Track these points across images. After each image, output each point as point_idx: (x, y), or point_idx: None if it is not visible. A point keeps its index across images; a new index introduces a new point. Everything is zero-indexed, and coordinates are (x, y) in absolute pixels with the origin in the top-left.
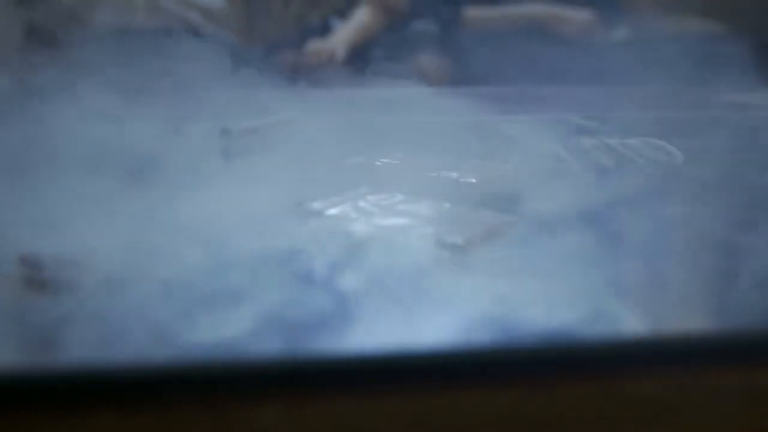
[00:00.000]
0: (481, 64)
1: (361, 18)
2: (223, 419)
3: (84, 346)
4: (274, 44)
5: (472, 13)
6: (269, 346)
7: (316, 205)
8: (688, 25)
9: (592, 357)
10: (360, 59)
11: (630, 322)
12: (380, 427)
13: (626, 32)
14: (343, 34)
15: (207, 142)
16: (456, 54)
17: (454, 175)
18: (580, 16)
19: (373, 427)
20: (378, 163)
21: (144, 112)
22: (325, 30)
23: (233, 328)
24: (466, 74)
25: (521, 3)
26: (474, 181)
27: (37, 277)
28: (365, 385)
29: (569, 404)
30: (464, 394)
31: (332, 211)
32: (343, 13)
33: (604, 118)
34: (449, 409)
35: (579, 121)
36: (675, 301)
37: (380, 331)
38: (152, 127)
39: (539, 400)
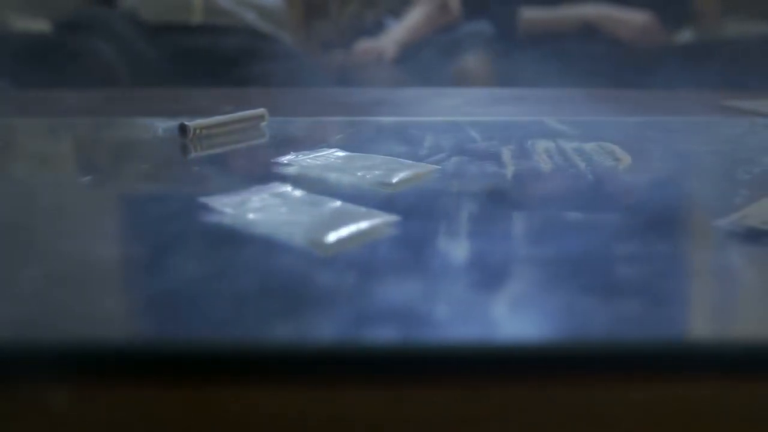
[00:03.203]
0: (530, 66)
1: (414, 18)
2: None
3: None
4: (328, 43)
5: (528, 14)
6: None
7: (214, 201)
8: (755, 27)
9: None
10: (409, 59)
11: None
12: (176, 418)
13: (691, 35)
14: (394, 33)
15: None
16: (508, 55)
17: (377, 174)
18: (638, 18)
19: (170, 418)
20: (309, 159)
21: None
22: (379, 29)
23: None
24: (512, 76)
25: (578, 4)
26: (393, 181)
27: None
28: (163, 374)
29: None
30: (259, 387)
31: (227, 209)
32: (398, 12)
33: (582, 121)
34: (247, 404)
35: (553, 123)
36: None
37: (209, 322)
38: (130, 122)
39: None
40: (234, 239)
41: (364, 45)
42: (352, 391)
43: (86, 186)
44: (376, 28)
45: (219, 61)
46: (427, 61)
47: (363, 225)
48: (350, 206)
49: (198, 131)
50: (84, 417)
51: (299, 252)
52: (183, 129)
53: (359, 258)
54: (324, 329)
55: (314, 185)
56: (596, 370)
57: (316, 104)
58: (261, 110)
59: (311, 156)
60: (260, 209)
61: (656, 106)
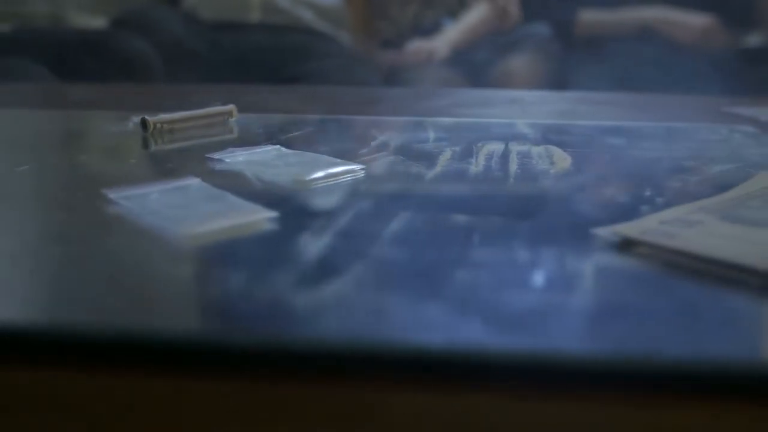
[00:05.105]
0: (581, 69)
1: (471, 19)
2: None
3: None
4: (385, 43)
5: (586, 17)
6: None
7: (116, 193)
8: None
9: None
10: (461, 59)
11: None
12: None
13: (760, 40)
14: (449, 34)
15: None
16: (562, 58)
17: (296, 171)
18: (697, 21)
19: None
20: (243, 156)
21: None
22: (436, 30)
23: None
24: (561, 78)
25: (636, 7)
26: (307, 179)
27: None
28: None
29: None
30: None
31: (124, 201)
32: (457, 13)
33: (551, 125)
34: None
35: (521, 126)
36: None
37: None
38: (110, 116)
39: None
40: (112, 229)
41: (415, 45)
42: (141, 380)
43: (16, 175)
44: (433, 29)
45: (270, 59)
46: (478, 62)
47: (239, 219)
48: (240, 201)
49: (159, 126)
50: None
51: (165, 243)
52: (144, 123)
53: (214, 251)
54: (123, 317)
55: (230, 180)
56: (368, 373)
57: (315, 102)
58: (230, 107)
59: (247, 152)
60: (155, 201)
61: (653, 110)
